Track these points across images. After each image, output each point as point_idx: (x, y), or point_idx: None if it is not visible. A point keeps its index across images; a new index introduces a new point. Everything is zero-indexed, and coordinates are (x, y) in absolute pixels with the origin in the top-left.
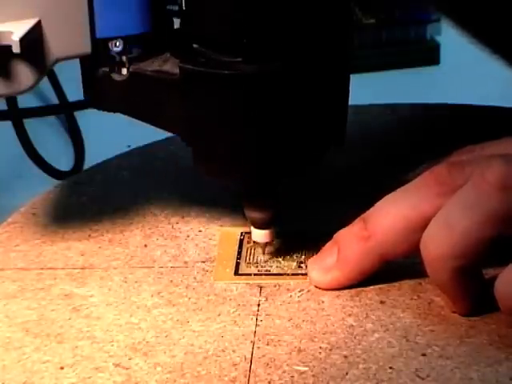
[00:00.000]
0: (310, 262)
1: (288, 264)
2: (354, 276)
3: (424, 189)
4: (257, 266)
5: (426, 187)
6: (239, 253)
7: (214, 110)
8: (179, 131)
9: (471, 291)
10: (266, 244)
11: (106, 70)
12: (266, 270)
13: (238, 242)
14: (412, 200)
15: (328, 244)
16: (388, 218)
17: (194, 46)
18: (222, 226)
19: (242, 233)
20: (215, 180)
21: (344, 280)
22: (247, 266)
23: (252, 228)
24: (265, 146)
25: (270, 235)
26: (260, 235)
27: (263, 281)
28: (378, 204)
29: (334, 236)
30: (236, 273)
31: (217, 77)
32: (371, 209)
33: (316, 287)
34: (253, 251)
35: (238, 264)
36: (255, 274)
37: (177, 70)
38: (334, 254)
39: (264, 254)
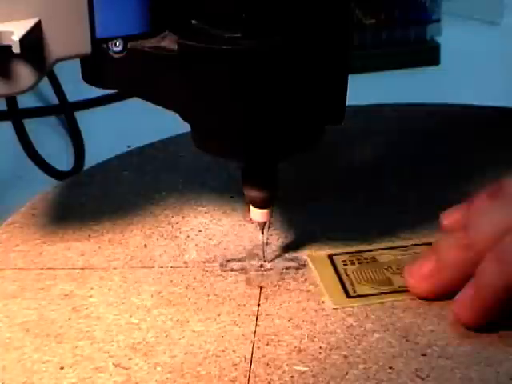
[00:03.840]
0: (407, 269)
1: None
2: (453, 284)
3: None
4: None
5: None
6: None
7: (212, 85)
8: (178, 108)
9: (498, 313)
10: (264, 224)
11: (104, 47)
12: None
13: (331, 265)
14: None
15: (426, 251)
16: (489, 228)
17: (193, 22)
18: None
19: (329, 256)
20: (215, 157)
21: (441, 288)
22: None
23: (251, 207)
24: (264, 123)
25: (268, 214)
26: (259, 214)
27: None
28: (479, 211)
29: (433, 244)
30: (348, 296)
31: (216, 52)
32: (471, 217)
33: (415, 295)
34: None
35: (345, 287)
36: (373, 295)
37: (175, 46)
38: (431, 262)
39: (262, 234)
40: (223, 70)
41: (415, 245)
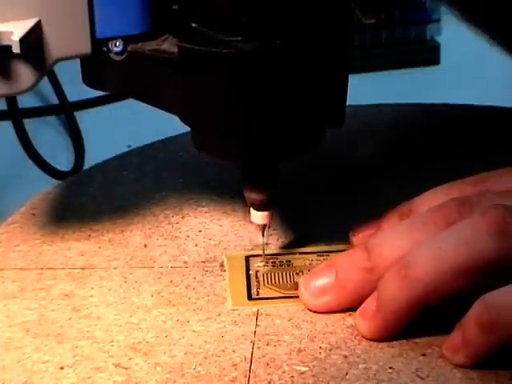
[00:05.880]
0: (303, 281)
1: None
2: (347, 304)
3: (431, 226)
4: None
5: (434, 225)
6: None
7: (212, 88)
8: (178, 111)
9: (401, 327)
10: (265, 226)
11: (104, 49)
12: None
13: (245, 266)
14: (417, 236)
15: (323, 266)
16: (392, 252)
17: (193, 25)
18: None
19: (246, 256)
20: (215, 159)
21: (335, 305)
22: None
23: (251, 210)
24: (263, 126)
25: (268, 217)
26: (259, 217)
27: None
28: (383, 234)
29: (332, 259)
30: (250, 297)
31: (216, 55)
32: (374, 238)
33: (307, 308)
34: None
35: (249, 289)
36: (275, 298)
37: (175, 49)
38: (329, 278)
39: (263, 236)
40: (223, 73)
41: (332, 251)
